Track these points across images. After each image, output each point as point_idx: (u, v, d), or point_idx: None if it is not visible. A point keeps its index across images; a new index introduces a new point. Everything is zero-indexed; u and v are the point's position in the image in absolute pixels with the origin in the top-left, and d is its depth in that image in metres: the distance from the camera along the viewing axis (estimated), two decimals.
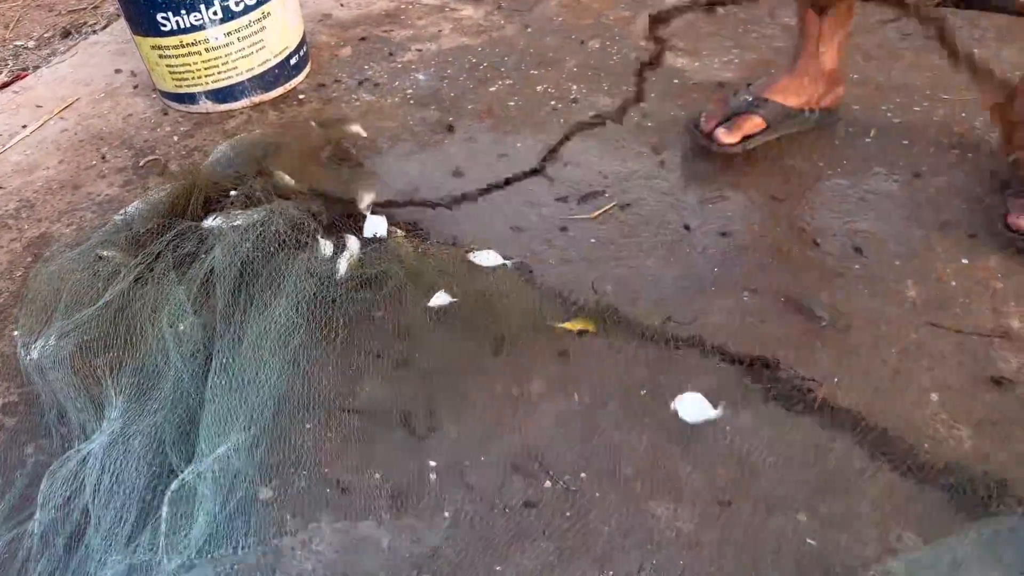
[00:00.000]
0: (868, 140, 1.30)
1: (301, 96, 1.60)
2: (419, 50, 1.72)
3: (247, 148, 1.37)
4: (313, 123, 1.45)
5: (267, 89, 1.59)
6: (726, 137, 1.26)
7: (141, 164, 1.44)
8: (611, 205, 1.22)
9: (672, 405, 0.91)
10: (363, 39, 1.78)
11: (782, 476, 0.84)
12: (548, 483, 0.86)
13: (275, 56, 1.56)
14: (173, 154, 1.46)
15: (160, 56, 1.50)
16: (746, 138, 1.27)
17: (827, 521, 0.80)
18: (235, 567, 0.80)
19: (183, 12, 1.43)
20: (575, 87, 1.53)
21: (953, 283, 1.04)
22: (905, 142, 1.28)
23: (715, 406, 0.90)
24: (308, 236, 1.13)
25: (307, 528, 0.84)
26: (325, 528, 0.84)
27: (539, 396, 0.95)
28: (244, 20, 1.48)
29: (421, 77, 1.62)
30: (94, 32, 2.00)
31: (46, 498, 0.85)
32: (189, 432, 0.90)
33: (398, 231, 1.18)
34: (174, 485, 0.82)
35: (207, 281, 1.06)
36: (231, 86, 1.55)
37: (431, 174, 1.33)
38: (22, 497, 0.88)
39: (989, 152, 1.23)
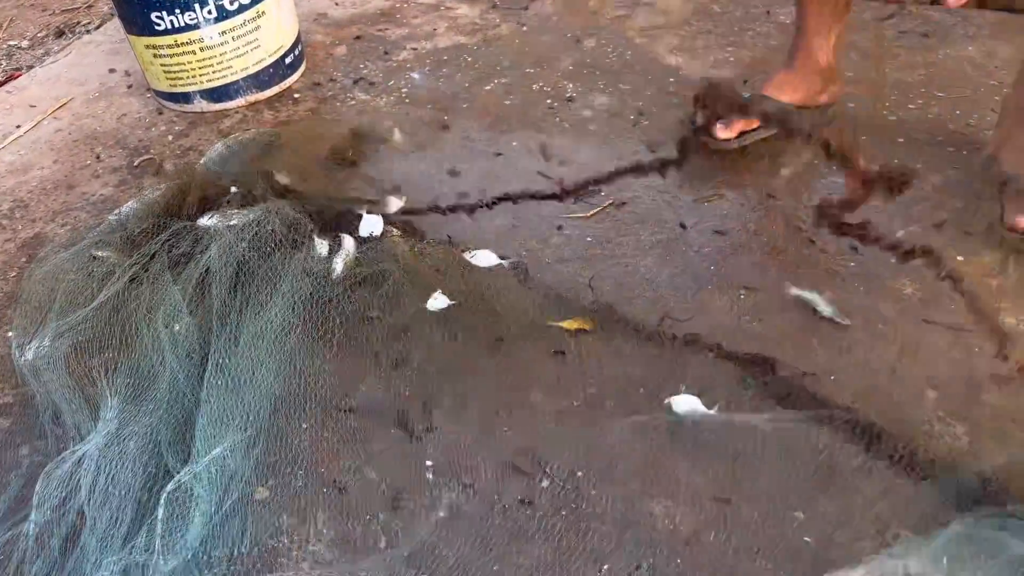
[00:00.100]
0: (864, 138, 1.30)
1: (296, 95, 1.59)
2: (414, 49, 1.72)
3: (243, 147, 1.37)
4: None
5: (262, 88, 1.58)
6: (723, 133, 1.26)
7: (136, 164, 1.44)
8: (607, 204, 1.22)
9: (667, 401, 0.91)
10: (358, 38, 1.78)
11: (779, 474, 0.84)
12: (545, 482, 0.86)
13: (270, 55, 1.56)
14: (168, 154, 1.45)
15: (154, 55, 1.50)
16: (742, 134, 1.27)
17: (824, 518, 0.80)
18: (232, 568, 0.80)
19: (177, 11, 1.43)
20: (571, 85, 1.53)
21: (949, 280, 1.04)
22: (900, 139, 1.28)
23: (711, 406, 0.90)
24: (304, 236, 1.12)
25: (304, 528, 0.83)
26: (322, 528, 0.83)
27: (536, 395, 0.94)
28: (239, 19, 1.48)
29: (416, 76, 1.62)
30: (88, 32, 2.00)
31: (41, 499, 0.84)
32: (185, 433, 0.90)
33: (394, 230, 1.18)
34: (170, 486, 0.82)
35: (203, 281, 1.06)
36: (226, 85, 1.54)
37: (427, 173, 1.33)
38: (17, 498, 0.88)
39: (984, 149, 1.23)
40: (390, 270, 1.08)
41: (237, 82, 1.54)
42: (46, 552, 0.81)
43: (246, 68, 1.54)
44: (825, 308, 1.00)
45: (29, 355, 1.01)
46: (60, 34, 2.04)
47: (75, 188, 1.38)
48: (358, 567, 0.80)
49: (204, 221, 1.15)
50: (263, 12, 1.51)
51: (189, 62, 1.50)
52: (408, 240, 1.16)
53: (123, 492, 0.84)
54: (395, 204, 1.22)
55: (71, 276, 1.10)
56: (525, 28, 1.74)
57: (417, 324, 1.03)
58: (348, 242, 1.13)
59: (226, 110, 1.56)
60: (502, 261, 1.11)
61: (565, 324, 1.02)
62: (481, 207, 1.21)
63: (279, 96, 1.59)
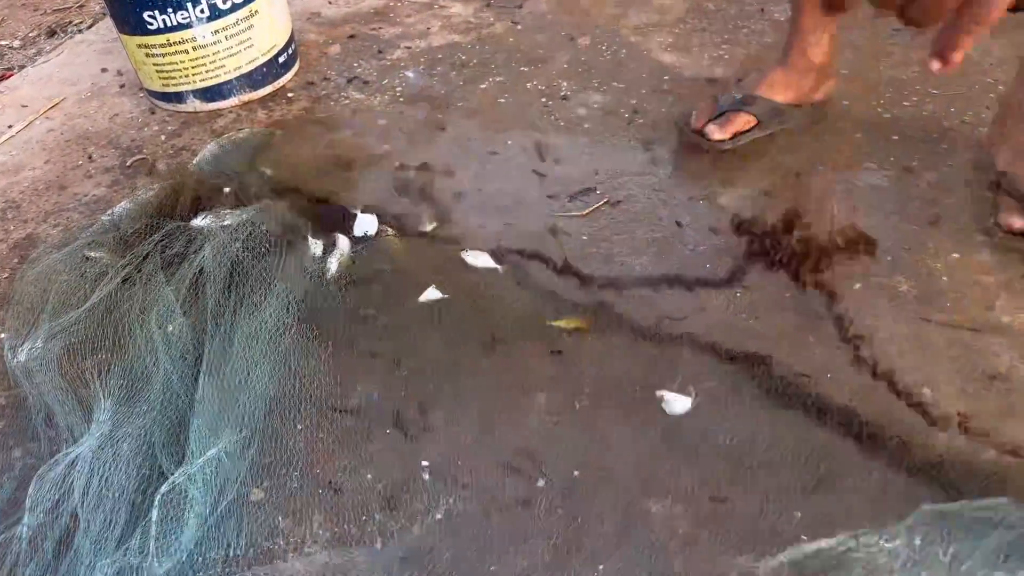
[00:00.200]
0: (858, 135, 1.30)
1: (290, 94, 1.59)
2: (408, 48, 1.71)
3: (236, 147, 1.37)
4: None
5: (255, 88, 1.57)
6: (717, 134, 1.26)
7: (128, 164, 1.43)
8: (602, 202, 1.22)
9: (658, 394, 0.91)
10: (352, 37, 1.77)
11: (776, 473, 0.84)
12: (542, 481, 0.85)
13: (263, 54, 1.55)
14: (161, 153, 1.45)
15: (147, 55, 1.49)
16: (737, 135, 1.27)
17: (822, 517, 0.80)
18: (227, 570, 0.79)
19: (170, 10, 1.42)
20: (566, 84, 1.52)
21: (944, 278, 1.04)
22: (895, 137, 1.28)
23: (705, 404, 0.90)
24: (298, 235, 1.12)
25: (300, 530, 0.83)
26: (318, 529, 0.83)
27: (532, 395, 0.94)
28: (232, 18, 1.47)
29: (411, 75, 1.61)
30: (80, 31, 1.99)
31: (34, 502, 0.84)
32: (179, 434, 0.89)
33: (388, 229, 1.17)
34: (164, 488, 0.81)
35: (196, 281, 1.06)
36: (219, 85, 1.53)
37: (421, 172, 1.32)
38: (10, 501, 0.87)
39: (978, 147, 1.23)
40: (384, 270, 1.08)
41: (230, 81, 1.54)
42: (39, 555, 0.81)
43: (239, 67, 1.53)
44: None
45: (22, 357, 1.00)
46: (52, 34, 2.03)
47: (67, 188, 1.37)
48: (354, 568, 0.79)
49: (197, 221, 1.15)
50: (256, 11, 1.50)
51: (182, 61, 1.49)
52: (403, 239, 1.16)
53: (117, 494, 0.84)
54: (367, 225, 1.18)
55: (64, 277, 1.09)
56: (519, 27, 1.74)
57: (413, 323, 1.03)
58: (343, 241, 1.12)
59: (219, 110, 1.55)
60: (497, 266, 1.10)
61: (561, 323, 1.01)
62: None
63: (272, 95, 1.59)
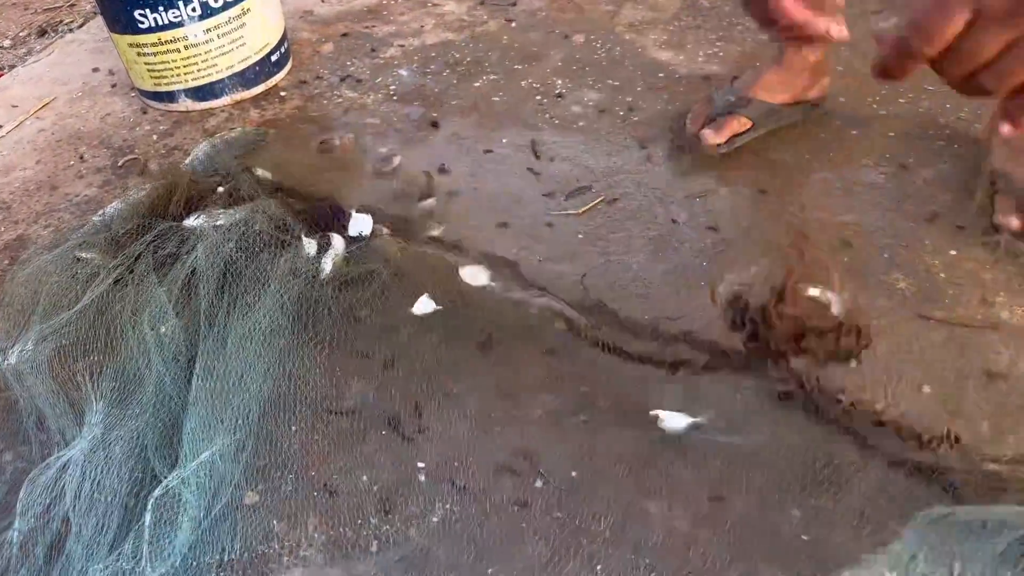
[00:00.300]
0: (854, 132, 1.30)
1: (283, 93, 1.58)
2: (402, 46, 1.70)
3: (229, 146, 1.35)
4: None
5: (248, 87, 1.56)
6: (713, 138, 1.25)
7: (120, 164, 1.41)
8: (598, 200, 1.21)
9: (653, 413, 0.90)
10: (345, 35, 1.76)
11: (775, 471, 0.83)
12: (539, 482, 0.85)
13: (256, 53, 1.54)
14: (153, 153, 1.43)
15: (138, 54, 1.48)
16: (733, 137, 1.26)
17: (821, 516, 0.79)
18: (221, 574, 0.78)
19: (161, 9, 1.41)
20: (560, 82, 1.52)
21: (942, 275, 1.03)
22: (891, 134, 1.28)
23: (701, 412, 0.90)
24: (292, 235, 1.11)
25: (295, 533, 0.82)
26: (313, 533, 0.82)
27: (528, 395, 0.93)
28: (224, 16, 1.46)
29: (404, 73, 1.60)
30: (71, 31, 1.97)
31: (25, 506, 0.83)
32: (172, 437, 0.88)
33: (384, 229, 1.16)
34: (157, 491, 0.80)
35: (189, 282, 1.04)
36: (211, 84, 1.52)
37: (416, 171, 1.32)
38: (1, 506, 0.86)
39: (975, 143, 1.23)
40: (379, 270, 1.07)
41: (222, 80, 1.53)
42: (31, 560, 0.80)
43: (231, 66, 1.52)
44: (836, 307, 0.99)
45: (12, 359, 0.99)
46: (42, 33, 2.01)
47: (58, 189, 1.36)
48: (350, 571, 0.79)
49: (190, 221, 1.14)
50: (248, 9, 1.49)
51: (173, 60, 1.48)
52: (398, 239, 1.15)
53: (109, 498, 0.83)
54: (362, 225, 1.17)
55: (54, 278, 1.08)
56: (513, 24, 1.73)
57: (407, 324, 1.02)
58: (337, 241, 1.11)
59: (212, 109, 1.54)
60: (492, 283, 1.09)
61: (557, 322, 1.01)
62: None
63: (265, 94, 1.58)
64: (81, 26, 1.98)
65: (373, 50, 1.69)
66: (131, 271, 1.07)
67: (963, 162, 1.20)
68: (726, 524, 0.80)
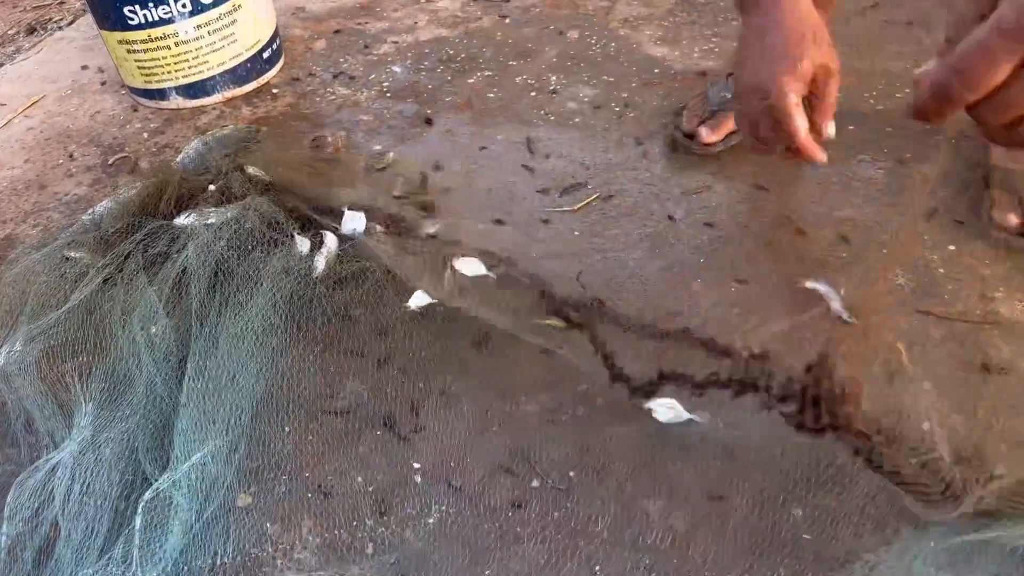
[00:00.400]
0: (852, 128, 1.29)
1: (275, 90, 1.56)
2: (395, 42, 1.69)
3: (220, 143, 1.34)
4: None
5: (240, 84, 1.55)
6: (709, 137, 1.24)
7: (110, 162, 1.40)
8: (594, 197, 1.20)
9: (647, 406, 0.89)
10: (337, 32, 1.75)
11: (775, 470, 0.82)
12: (536, 482, 0.84)
13: (247, 50, 1.53)
14: (143, 151, 1.42)
15: (128, 51, 1.46)
16: (729, 135, 1.25)
17: (822, 515, 0.78)
18: None
19: (151, 5, 1.39)
20: (555, 77, 1.50)
21: (941, 270, 1.03)
22: (889, 129, 1.27)
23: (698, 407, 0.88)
24: (284, 233, 1.09)
25: (288, 535, 0.81)
26: (307, 535, 0.81)
27: (525, 394, 0.92)
28: (214, 13, 1.44)
29: (397, 70, 1.59)
30: (60, 28, 1.95)
31: (13, 510, 0.81)
32: (163, 438, 0.87)
33: (377, 227, 1.15)
34: (148, 494, 0.79)
35: (180, 281, 1.03)
36: (202, 81, 1.51)
37: (410, 168, 1.30)
38: None
39: (971, 140, 1.22)
40: (373, 268, 1.06)
41: (214, 78, 1.51)
42: (19, 565, 0.79)
43: (223, 63, 1.50)
44: (837, 304, 0.98)
45: (0, 360, 0.97)
46: (31, 31, 1.99)
47: (47, 188, 1.35)
48: (345, 574, 0.77)
49: (181, 220, 1.12)
50: (239, 5, 1.47)
51: (164, 57, 1.46)
52: (392, 237, 1.14)
53: (99, 501, 0.81)
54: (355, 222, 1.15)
55: (43, 278, 1.06)
56: (507, 20, 1.72)
57: (402, 323, 1.01)
58: (330, 239, 1.10)
59: (203, 106, 1.53)
60: (488, 272, 1.07)
61: (554, 321, 1.00)
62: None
63: (257, 91, 1.56)
64: (71, 23, 1.96)
65: (366, 47, 1.68)
66: (121, 270, 1.05)
67: (961, 157, 1.20)
68: (726, 524, 0.79)
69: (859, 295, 1.00)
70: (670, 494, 0.82)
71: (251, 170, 1.23)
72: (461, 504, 0.82)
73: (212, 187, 1.20)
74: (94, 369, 0.95)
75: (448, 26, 1.73)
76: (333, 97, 1.52)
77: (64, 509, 0.80)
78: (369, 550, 0.79)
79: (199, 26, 1.44)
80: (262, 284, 1.00)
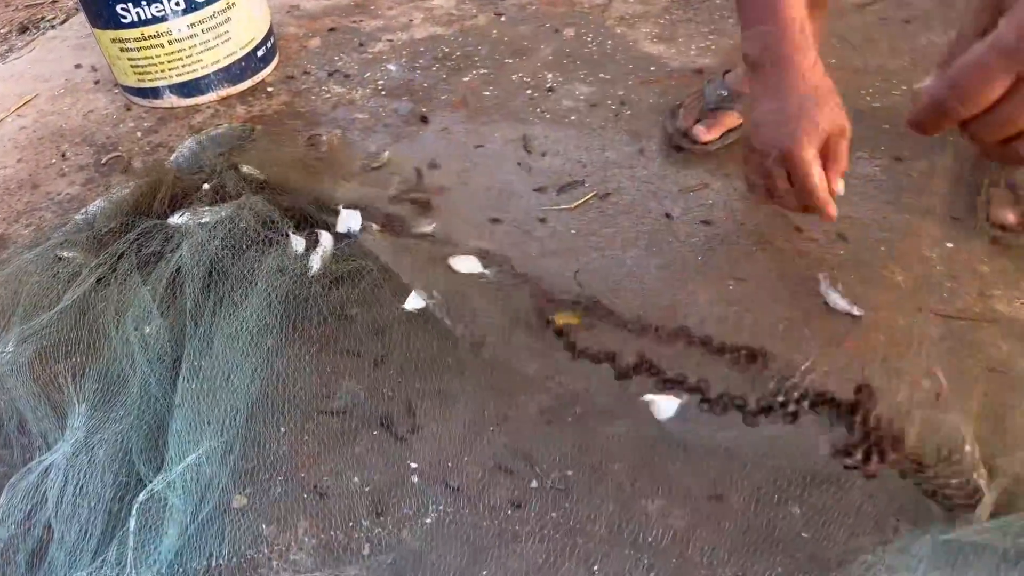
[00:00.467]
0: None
1: (270, 89, 1.55)
2: (390, 40, 1.68)
3: (215, 142, 1.33)
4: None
5: (234, 82, 1.54)
6: (705, 135, 1.23)
7: (103, 161, 1.39)
8: (591, 195, 1.19)
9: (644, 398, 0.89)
10: (332, 30, 1.74)
11: (774, 468, 0.82)
12: (535, 482, 0.83)
13: (241, 48, 1.52)
14: (137, 151, 1.41)
15: (121, 49, 1.45)
16: (726, 133, 1.24)
17: (821, 513, 0.78)
18: None
19: (144, 3, 1.38)
20: (551, 75, 1.50)
21: (939, 268, 1.02)
22: (886, 126, 1.27)
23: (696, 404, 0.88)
24: (279, 232, 1.09)
25: (284, 536, 0.80)
26: (303, 536, 0.80)
27: (523, 393, 0.92)
28: (208, 11, 1.44)
29: (393, 68, 1.58)
30: (52, 27, 1.94)
31: (6, 513, 0.80)
32: (158, 439, 0.86)
33: (373, 225, 1.14)
34: (142, 496, 0.78)
35: (174, 281, 1.02)
36: (196, 80, 1.50)
37: (405, 167, 1.30)
38: None
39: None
40: (369, 266, 1.05)
41: (208, 76, 1.50)
42: (11, 568, 0.78)
43: (217, 61, 1.49)
44: (839, 300, 0.97)
45: None
46: (24, 30, 1.98)
47: (40, 187, 1.34)
48: (341, 575, 0.77)
49: (175, 219, 1.11)
50: (233, 3, 1.46)
51: (157, 56, 1.45)
52: (388, 235, 1.13)
53: (93, 503, 0.80)
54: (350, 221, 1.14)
55: (35, 278, 1.05)
56: (503, 18, 1.71)
57: (398, 322, 1.00)
58: (325, 238, 1.09)
59: (197, 105, 1.52)
60: (485, 271, 1.07)
61: (553, 319, 0.99)
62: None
63: (252, 90, 1.55)
64: (63, 22, 1.95)
65: (361, 45, 1.67)
66: (114, 270, 1.05)
67: (957, 154, 1.19)
68: (725, 522, 0.78)
69: (857, 293, 1.00)
70: (669, 493, 0.81)
71: (246, 169, 1.23)
72: (459, 504, 0.82)
73: (206, 186, 1.19)
74: (87, 370, 0.94)
75: (443, 24, 1.72)
76: (328, 95, 1.51)
77: (57, 511, 0.80)
78: (366, 551, 0.79)
79: (193, 24, 1.43)
80: (257, 283, 0.99)
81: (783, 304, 0.99)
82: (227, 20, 1.47)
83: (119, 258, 1.06)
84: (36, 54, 1.78)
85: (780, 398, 0.83)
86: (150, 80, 1.48)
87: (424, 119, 1.41)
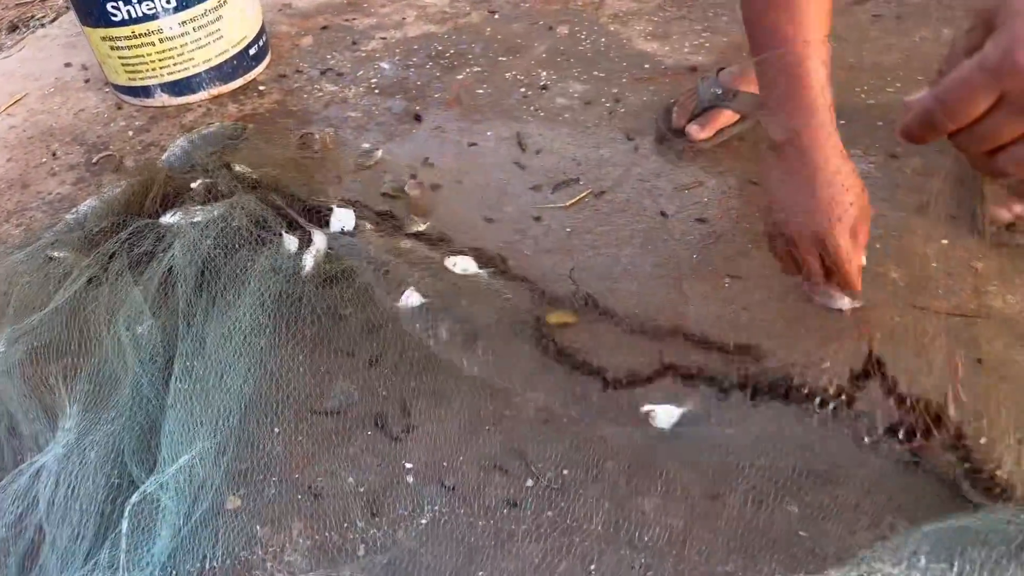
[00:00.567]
0: (843, 122, 1.28)
1: (262, 87, 1.55)
2: (383, 38, 1.67)
3: (206, 141, 1.32)
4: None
5: (226, 81, 1.53)
6: (699, 134, 1.23)
7: (94, 161, 1.38)
8: (585, 193, 1.19)
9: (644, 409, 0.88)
10: (325, 28, 1.73)
11: (771, 467, 0.82)
12: (530, 481, 0.83)
13: (233, 46, 1.51)
14: (128, 150, 1.40)
15: (112, 48, 1.44)
16: (720, 131, 1.24)
17: (818, 511, 0.78)
18: None
19: (134, 1, 1.37)
20: (545, 73, 1.49)
21: (934, 264, 1.02)
22: (880, 123, 1.27)
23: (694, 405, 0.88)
24: (272, 232, 1.08)
25: (279, 538, 0.80)
26: (297, 537, 0.80)
27: (518, 391, 0.91)
28: (200, 8, 1.43)
29: (386, 66, 1.58)
30: (42, 26, 1.93)
31: None
32: (150, 441, 0.86)
33: (367, 224, 1.14)
34: (135, 497, 0.78)
35: (166, 281, 1.02)
36: (188, 78, 1.49)
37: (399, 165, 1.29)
38: None
39: None
40: (362, 266, 1.04)
41: (199, 75, 1.49)
42: (3, 571, 0.77)
43: (208, 60, 1.49)
44: (835, 298, 0.97)
45: None
46: (13, 28, 1.96)
47: (30, 187, 1.33)
48: None
49: (167, 218, 1.11)
50: (225, 1, 1.46)
51: (148, 54, 1.44)
52: (382, 234, 1.12)
53: (85, 505, 0.80)
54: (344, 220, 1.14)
55: (26, 278, 1.04)
56: (496, 16, 1.71)
57: (392, 321, 1.00)
58: (318, 237, 1.08)
59: (188, 104, 1.51)
60: (481, 271, 1.06)
61: (548, 318, 0.99)
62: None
63: (243, 88, 1.54)
64: (53, 21, 1.93)
65: (354, 43, 1.66)
66: (106, 270, 1.04)
67: (952, 151, 1.19)
68: (722, 521, 0.78)
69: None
70: (665, 492, 0.81)
71: (238, 168, 1.22)
72: (454, 504, 0.81)
73: (198, 185, 1.18)
74: (79, 370, 0.93)
75: (437, 22, 1.71)
76: (320, 94, 1.51)
77: (49, 514, 0.79)
78: (361, 551, 0.78)
79: (184, 22, 1.42)
80: (250, 283, 0.99)
81: (779, 301, 0.99)
82: (219, 18, 1.46)
83: (110, 258, 1.05)
84: (26, 53, 1.77)
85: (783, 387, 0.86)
86: (141, 79, 1.47)
87: (417, 117, 1.41)
